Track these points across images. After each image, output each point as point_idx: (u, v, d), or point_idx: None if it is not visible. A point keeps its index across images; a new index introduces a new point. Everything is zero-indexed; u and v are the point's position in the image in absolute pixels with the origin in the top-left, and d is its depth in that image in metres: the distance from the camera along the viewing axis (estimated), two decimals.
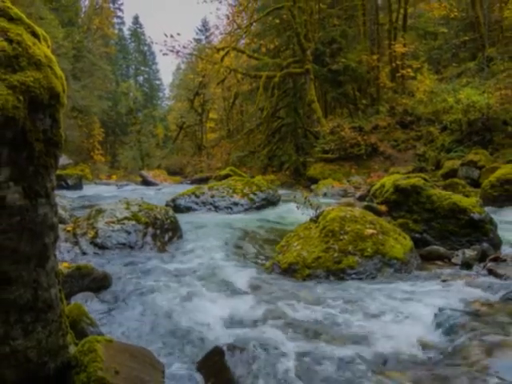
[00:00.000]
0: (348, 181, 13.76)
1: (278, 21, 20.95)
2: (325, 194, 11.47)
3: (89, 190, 14.84)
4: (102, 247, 4.04)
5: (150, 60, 56.36)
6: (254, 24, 22.53)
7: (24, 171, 1.38)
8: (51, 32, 22.72)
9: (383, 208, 4.79)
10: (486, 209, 4.89)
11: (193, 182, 17.74)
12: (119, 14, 51.54)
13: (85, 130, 35.29)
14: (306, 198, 5.22)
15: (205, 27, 47.51)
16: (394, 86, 19.09)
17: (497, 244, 4.30)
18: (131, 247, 4.14)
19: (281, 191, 9.83)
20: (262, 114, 21.63)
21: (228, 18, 22.97)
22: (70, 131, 27.43)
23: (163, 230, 4.58)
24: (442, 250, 4.11)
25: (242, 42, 23.26)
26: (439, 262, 3.94)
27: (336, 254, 3.52)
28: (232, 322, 2.49)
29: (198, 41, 43.43)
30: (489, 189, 7.96)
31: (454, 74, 18.77)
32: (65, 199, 8.07)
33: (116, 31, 50.47)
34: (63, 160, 17.80)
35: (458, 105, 13.26)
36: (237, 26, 21.87)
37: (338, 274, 3.40)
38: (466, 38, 20.46)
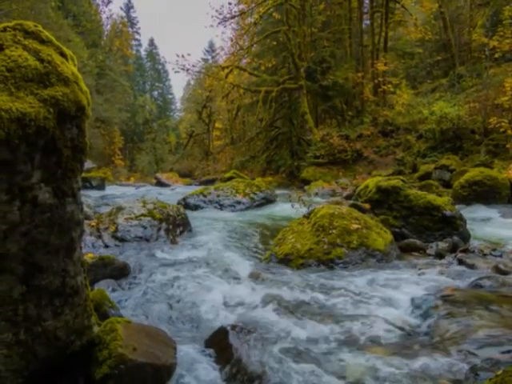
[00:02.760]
0: (336, 182, 13.72)
1: (275, 43, 20.93)
2: (316, 194, 11.44)
3: (110, 190, 14.83)
4: (122, 240, 4.04)
5: (164, 77, 56.31)
6: (254, 45, 22.47)
7: (54, 174, 1.39)
8: (77, 52, 22.68)
9: (367, 206, 4.78)
10: (457, 207, 4.88)
11: (201, 184, 17.70)
12: (137, 36, 51.58)
13: (107, 138, 35.29)
14: (299, 197, 5.23)
15: (211, 48, 47.56)
16: (376, 100, 19.06)
17: (466, 237, 4.31)
18: (147, 240, 4.14)
19: (278, 191, 9.83)
20: (261, 124, 21.60)
21: (231, 40, 22.91)
22: (93, 139, 27.42)
23: (175, 225, 4.58)
24: (418, 242, 4.11)
25: (244, 61, 23.20)
26: (416, 253, 3.94)
27: (326, 246, 3.52)
28: (235, 305, 2.49)
29: (205, 60, 43.39)
30: (459, 189, 7.97)
31: (429, 89, 18.78)
32: (89, 198, 8.06)
33: (134, 52, 50.47)
34: (88, 164, 17.78)
35: (432, 116, 13.26)
36: (239, 47, 21.82)
37: (327, 263, 3.40)
38: (439, 57, 20.47)
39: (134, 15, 50.44)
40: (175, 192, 12.45)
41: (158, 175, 22.96)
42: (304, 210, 4.39)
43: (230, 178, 11.20)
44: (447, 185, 9.89)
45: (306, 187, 13.39)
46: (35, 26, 1.42)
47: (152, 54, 55.08)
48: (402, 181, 4.89)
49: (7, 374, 1.33)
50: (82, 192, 1.61)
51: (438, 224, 4.33)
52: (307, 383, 1.60)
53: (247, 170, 20.23)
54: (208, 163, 28.52)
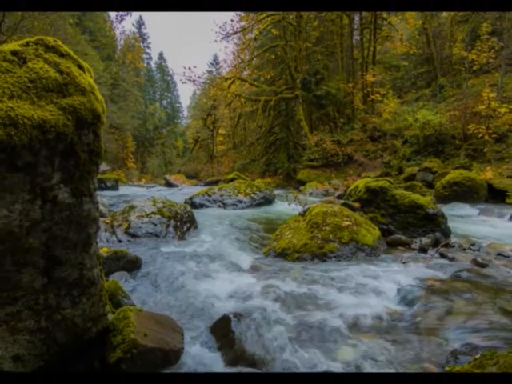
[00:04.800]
0: (329, 183, 13.71)
1: (273, 56, 20.94)
2: (310, 194, 11.45)
3: (123, 190, 14.78)
4: (134, 236, 4.04)
5: (172, 87, 56.32)
6: (255, 59, 22.46)
7: (72, 175, 1.39)
8: (93, 65, 22.68)
9: (357, 205, 4.78)
10: (439, 205, 4.88)
11: (206, 184, 17.65)
12: (147, 51, 51.68)
13: (120, 142, 35.26)
14: (295, 197, 5.22)
15: (215, 61, 47.51)
16: (366, 108, 19.04)
17: (447, 233, 4.31)
18: (157, 236, 4.14)
19: (276, 191, 9.82)
20: (261, 130, 21.58)
21: (234, 54, 23.01)
22: (108, 144, 27.41)
23: (182, 222, 4.58)
24: (403, 238, 4.11)
25: (245, 73, 23.19)
26: (401, 248, 3.94)
27: (319, 241, 3.52)
28: (237, 295, 2.49)
29: (209, 72, 43.27)
30: (441, 189, 7.97)
31: (413, 99, 18.79)
32: (104, 198, 8.06)
33: (145, 64, 50.54)
34: (103, 167, 17.73)
35: (416, 123, 13.25)
36: (241, 60, 21.86)
37: (321, 257, 3.40)
38: (423, 70, 20.50)
39: (145, 31, 50.56)
40: (182, 192, 12.42)
41: (167, 177, 22.90)
42: (300, 209, 4.39)
43: (233, 180, 11.19)
44: (430, 185, 9.88)
45: (301, 188, 13.39)
46: (55, 40, 1.42)
47: (161, 67, 55.10)
48: (389, 182, 4.89)
49: (30, 357, 1.33)
50: (98, 192, 1.61)
51: (422, 221, 4.33)
52: (303, 365, 1.60)
53: (248, 172, 20.23)
54: (212, 166, 28.54)
